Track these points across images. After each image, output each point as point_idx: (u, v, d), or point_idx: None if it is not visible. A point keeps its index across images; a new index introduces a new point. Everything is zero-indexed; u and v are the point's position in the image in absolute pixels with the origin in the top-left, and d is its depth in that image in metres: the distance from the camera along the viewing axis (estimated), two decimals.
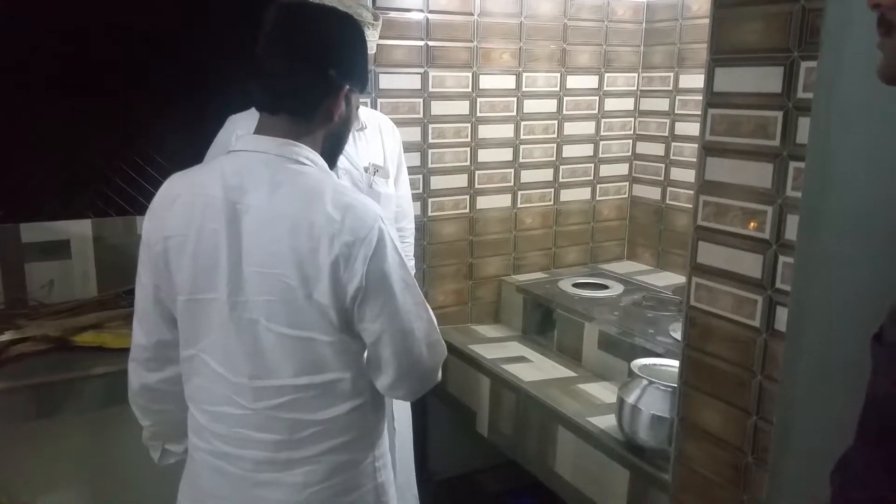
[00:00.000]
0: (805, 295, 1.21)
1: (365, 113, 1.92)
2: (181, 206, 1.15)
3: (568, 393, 2.09)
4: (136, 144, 2.39)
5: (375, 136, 1.93)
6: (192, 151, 1.87)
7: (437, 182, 2.54)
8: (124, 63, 2.30)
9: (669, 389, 1.67)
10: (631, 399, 1.73)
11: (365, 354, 1.21)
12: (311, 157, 1.16)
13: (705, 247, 1.46)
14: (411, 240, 2.13)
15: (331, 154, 1.22)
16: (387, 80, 2.36)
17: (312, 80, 1.14)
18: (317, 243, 1.08)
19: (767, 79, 1.30)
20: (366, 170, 1.86)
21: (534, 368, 2.27)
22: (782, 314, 1.30)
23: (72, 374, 1.84)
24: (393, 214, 1.95)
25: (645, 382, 1.73)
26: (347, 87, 1.18)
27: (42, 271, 2.25)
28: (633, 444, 1.76)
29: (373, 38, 1.76)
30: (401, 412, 1.99)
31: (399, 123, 2.36)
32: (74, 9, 2.21)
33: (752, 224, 1.35)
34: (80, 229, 2.30)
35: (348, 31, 1.19)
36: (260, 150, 1.14)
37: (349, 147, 1.85)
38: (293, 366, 1.14)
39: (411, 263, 2.13)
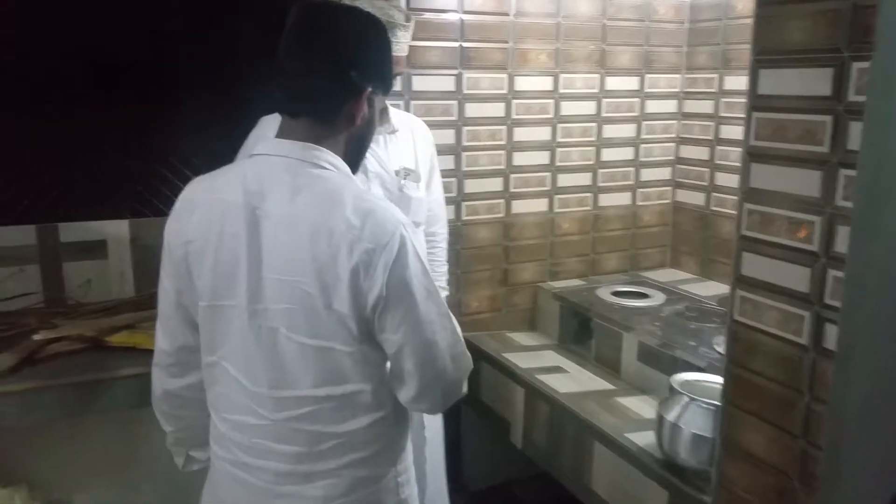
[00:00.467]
0: (856, 312, 1.13)
1: (397, 115, 1.89)
2: (202, 211, 1.13)
3: (605, 406, 2.02)
4: (173, 145, 2.40)
5: (407, 139, 1.89)
6: (228, 152, 1.87)
7: (471, 186, 2.49)
8: (159, 64, 2.32)
9: (712, 408, 1.59)
10: (671, 416, 1.66)
11: (387, 366, 1.17)
12: (332, 161, 1.13)
13: (750, 258, 1.38)
14: (444, 245, 2.08)
15: (353, 158, 1.19)
16: (420, 82, 2.33)
17: (333, 82, 1.11)
18: (336, 250, 1.05)
19: (816, 81, 1.22)
20: (397, 173, 1.83)
21: (570, 379, 2.21)
22: (831, 332, 1.22)
23: (105, 374, 1.85)
24: (424, 219, 1.91)
25: (686, 399, 1.66)
26: (370, 89, 1.14)
27: (80, 271, 2.28)
28: (672, 464, 1.68)
29: (404, 40, 1.72)
30: (432, 421, 1.95)
31: (433, 126, 2.32)
32: (110, 11, 2.23)
33: (799, 234, 1.27)
34: (117, 230, 2.32)
35: (371, 31, 1.16)
36: (280, 154, 1.12)
37: (380, 150, 1.82)
38: (313, 376, 1.10)
39: (444, 269, 2.09)
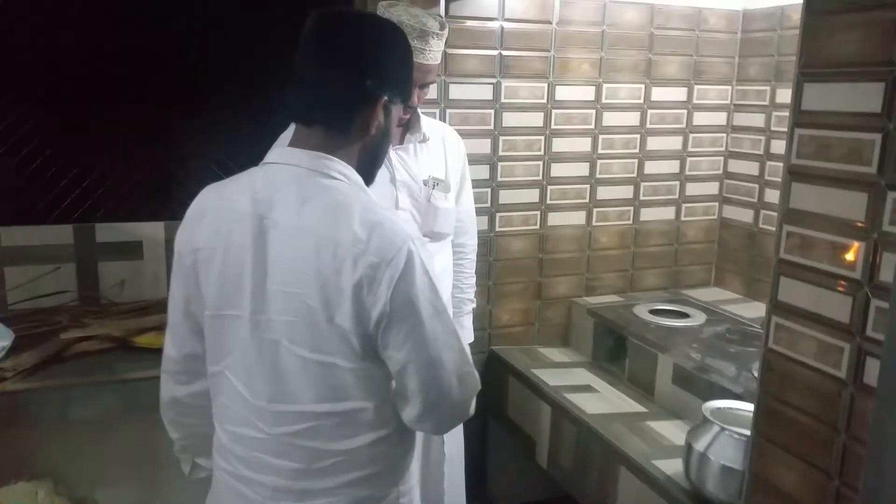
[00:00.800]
0: None
1: (429, 124, 1.85)
2: (210, 219, 1.12)
3: (635, 430, 1.94)
4: (209, 149, 2.42)
5: (438, 148, 1.86)
6: (263, 156, 1.86)
7: (506, 196, 2.44)
8: (196, 70, 2.34)
9: (743, 438, 1.50)
10: (700, 446, 1.57)
11: (392, 383, 1.13)
12: (344, 171, 1.10)
13: (787, 283, 1.30)
14: (472, 256, 2.04)
15: (367, 169, 1.16)
16: (457, 91, 2.29)
17: (347, 90, 1.08)
18: (340, 264, 1.01)
19: (865, 96, 1.14)
20: (425, 183, 1.79)
21: (600, 400, 2.13)
22: (873, 366, 1.13)
23: (129, 374, 1.86)
24: (451, 230, 1.87)
25: (717, 429, 1.57)
26: (386, 98, 1.11)
27: (114, 271, 2.31)
28: (699, 496, 1.59)
29: (437, 49, 1.69)
30: (452, 437, 1.90)
31: (468, 135, 2.29)
32: (154, 13, 2.26)
33: (841, 260, 1.18)
34: (152, 231, 2.35)
35: (388, 39, 1.12)
36: (291, 162, 1.09)
37: (409, 158, 1.79)
38: (313, 392, 1.07)
39: (472, 281, 2.04)
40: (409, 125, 1.79)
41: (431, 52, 1.68)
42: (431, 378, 1.08)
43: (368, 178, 1.16)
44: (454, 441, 1.91)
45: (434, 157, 1.84)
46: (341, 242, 1.02)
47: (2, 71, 2.18)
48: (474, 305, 2.05)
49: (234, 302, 1.09)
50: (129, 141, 2.34)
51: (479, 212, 2.34)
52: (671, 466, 1.73)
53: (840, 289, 1.19)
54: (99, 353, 1.93)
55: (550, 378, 2.26)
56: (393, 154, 1.76)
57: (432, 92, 2.25)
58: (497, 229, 2.45)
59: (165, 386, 1.26)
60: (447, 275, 1.89)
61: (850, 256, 1.18)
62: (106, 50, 2.28)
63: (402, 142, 1.80)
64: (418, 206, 1.77)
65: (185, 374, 1.22)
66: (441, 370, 1.08)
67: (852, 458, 1.18)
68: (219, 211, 1.11)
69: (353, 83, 1.08)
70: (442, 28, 1.70)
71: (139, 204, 2.40)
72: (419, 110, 1.81)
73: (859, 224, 1.15)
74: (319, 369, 1.06)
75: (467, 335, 2.04)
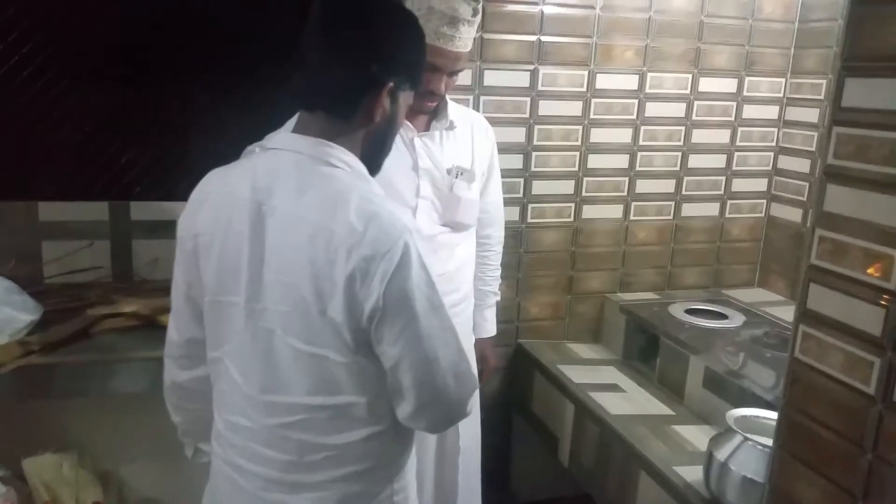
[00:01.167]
0: None
1: (457, 111, 1.80)
2: (211, 204, 1.10)
3: (658, 434, 1.87)
4: (244, 129, 2.42)
5: (465, 136, 1.81)
6: None
7: (539, 187, 2.38)
8: (228, 50, 2.33)
9: (767, 449, 1.43)
10: (721, 455, 1.51)
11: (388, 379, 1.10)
12: (345, 159, 1.07)
13: (818, 290, 1.22)
14: (498, 248, 1.99)
15: (372, 157, 1.12)
16: (492, 77, 2.24)
17: (350, 75, 1.05)
18: (334, 255, 0.99)
19: None
20: (448, 171, 1.74)
21: (625, 400, 2.07)
22: None
23: (152, 353, 1.87)
24: (474, 221, 1.82)
25: (739, 438, 1.50)
26: (392, 83, 1.07)
27: (148, 248, 2.34)
28: None
29: (468, 35, 1.63)
30: (468, 429, 1.86)
31: (502, 123, 2.24)
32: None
33: (871, 269, 1.10)
34: None
35: (396, 22, 1.08)
36: (292, 149, 1.07)
37: (434, 146, 1.75)
38: (306, 383, 1.05)
39: (496, 273, 1.99)
40: (435, 112, 1.75)
41: (461, 40, 1.62)
42: (426, 375, 1.04)
43: (373, 166, 1.13)
44: (470, 434, 1.88)
45: (460, 146, 1.79)
46: (336, 233, 0.99)
47: (42, 47, 2.22)
48: (498, 298, 2.01)
49: (232, 288, 1.07)
50: (169, 121, 2.35)
51: (509, 202, 2.29)
52: (692, 473, 1.66)
53: (874, 300, 1.11)
54: (126, 329, 1.95)
55: (576, 375, 2.20)
56: (417, 141, 1.73)
57: (466, 78, 2.20)
58: (529, 220, 2.39)
59: (168, 370, 1.27)
60: (468, 266, 1.85)
61: (885, 266, 1.09)
62: (140, 25, 2.29)
63: (427, 129, 1.76)
64: (440, 195, 1.73)
65: (188, 359, 1.22)
66: (436, 367, 1.05)
67: (878, 480, 1.11)
68: (220, 196, 1.10)
69: (356, 67, 1.04)
70: (475, 14, 1.65)
71: (177, 183, 2.42)
72: (447, 97, 1.76)
73: None
74: (312, 361, 1.04)
75: (489, 328, 1.99)
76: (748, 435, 1.49)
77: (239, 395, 1.11)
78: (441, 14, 1.58)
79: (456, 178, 1.75)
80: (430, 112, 1.74)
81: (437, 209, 1.74)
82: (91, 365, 1.82)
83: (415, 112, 1.72)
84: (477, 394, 1.15)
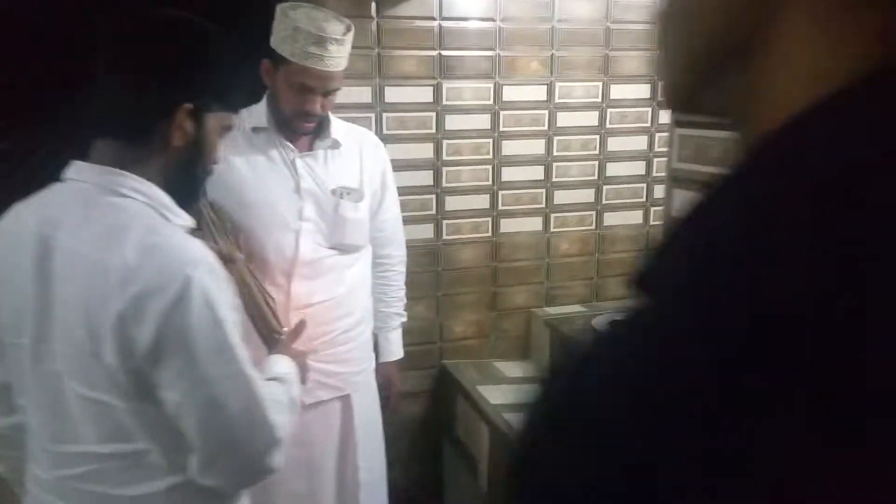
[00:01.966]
0: None
1: (342, 129, 1.74)
2: (3, 241, 1.02)
3: None
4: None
5: (352, 154, 1.75)
6: None
7: (452, 203, 2.32)
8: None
9: None
10: None
11: None
12: (138, 187, 0.98)
13: None
14: (400, 268, 1.91)
15: (182, 185, 1.03)
16: (393, 94, 2.19)
17: (133, 97, 0.97)
18: (110, 292, 0.90)
19: None
20: (333, 192, 1.68)
21: None
22: None
23: None
24: (365, 241, 1.75)
25: None
26: (192, 105, 1.00)
27: None
28: None
29: (339, 54, 1.57)
30: (368, 461, 1.76)
31: (407, 139, 2.19)
32: None
33: None
34: None
35: (189, 42, 1.01)
36: (80, 178, 0.99)
37: (318, 166, 1.68)
38: (95, 431, 0.96)
39: (400, 293, 1.92)
40: (318, 131, 1.69)
41: (332, 59, 1.57)
42: (210, 424, 0.95)
43: (186, 194, 1.04)
44: (372, 466, 1.79)
45: (347, 164, 1.73)
46: (111, 268, 0.90)
47: None
48: (404, 320, 1.93)
49: (20, 329, 0.99)
50: None
51: (422, 220, 2.23)
52: None
53: None
54: None
55: (495, 395, 2.13)
56: (299, 161, 1.67)
57: (366, 96, 2.16)
58: (444, 237, 2.33)
59: None
60: (362, 288, 1.77)
61: None
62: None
63: (310, 148, 1.70)
64: (325, 217, 1.66)
65: (1, 405, 1.13)
66: (222, 415, 0.95)
67: None
68: (10, 230, 1.02)
69: (138, 90, 0.97)
70: (347, 31, 1.60)
71: None
72: (331, 115, 1.71)
73: None
74: (97, 407, 0.95)
75: (395, 351, 1.91)
76: None
77: (35, 444, 1.02)
78: (307, 34, 1.53)
79: (341, 198, 1.69)
80: (310, 133, 1.68)
81: (323, 231, 1.67)
82: None
83: (296, 133, 1.67)
84: (282, 441, 1.01)
